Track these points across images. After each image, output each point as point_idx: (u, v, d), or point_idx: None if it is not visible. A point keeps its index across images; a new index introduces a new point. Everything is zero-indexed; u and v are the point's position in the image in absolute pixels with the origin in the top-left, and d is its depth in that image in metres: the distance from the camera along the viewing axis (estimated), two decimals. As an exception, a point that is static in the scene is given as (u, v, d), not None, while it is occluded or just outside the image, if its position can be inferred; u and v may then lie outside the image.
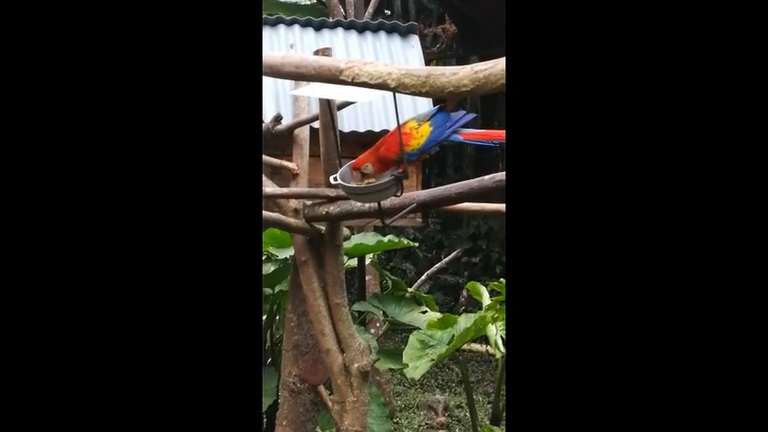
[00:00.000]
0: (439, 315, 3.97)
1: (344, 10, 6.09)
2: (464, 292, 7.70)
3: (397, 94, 1.86)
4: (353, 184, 2.32)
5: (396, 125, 2.22)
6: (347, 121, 3.91)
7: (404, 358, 3.65)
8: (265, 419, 3.92)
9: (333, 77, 1.67)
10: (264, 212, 2.64)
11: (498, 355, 3.85)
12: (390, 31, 4.23)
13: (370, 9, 6.07)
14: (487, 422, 4.35)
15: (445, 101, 2.29)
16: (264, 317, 4.12)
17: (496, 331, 3.82)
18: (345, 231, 3.11)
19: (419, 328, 3.87)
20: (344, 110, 3.18)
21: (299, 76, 1.76)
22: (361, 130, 3.94)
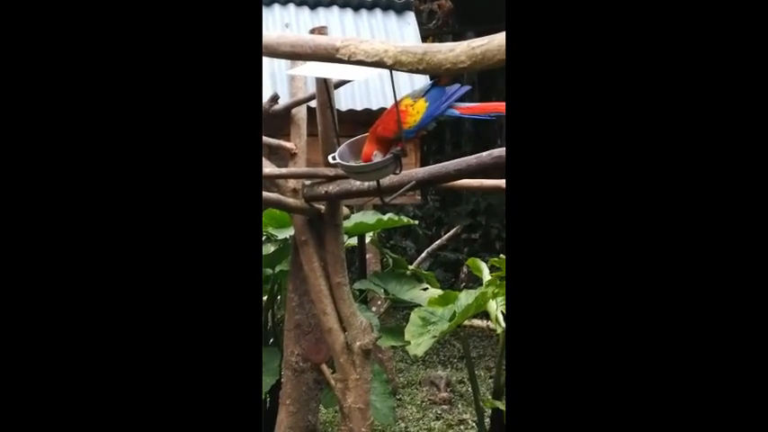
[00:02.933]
0: (440, 292, 3.97)
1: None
2: (464, 269, 7.70)
3: (393, 72, 1.86)
4: (352, 163, 2.32)
5: (393, 103, 2.21)
6: (344, 100, 3.90)
7: (406, 335, 3.67)
8: (269, 399, 3.95)
9: (329, 56, 1.67)
10: (263, 193, 2.65)
11: (499, 331, 3.87)
12: (386, 8, 4.20)
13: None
14: (489, 396, 4.38)
15: (440, 76, 2.28)
16: (265, 297, 4.14)
17: (497, 307, 3.83)
18: (345, 210, 3.12)
19: (420, 306, 3.88)
20: (341, 88, 3.17)
21: (296, 55, 1.76)
22: (359, 108, 3.94)
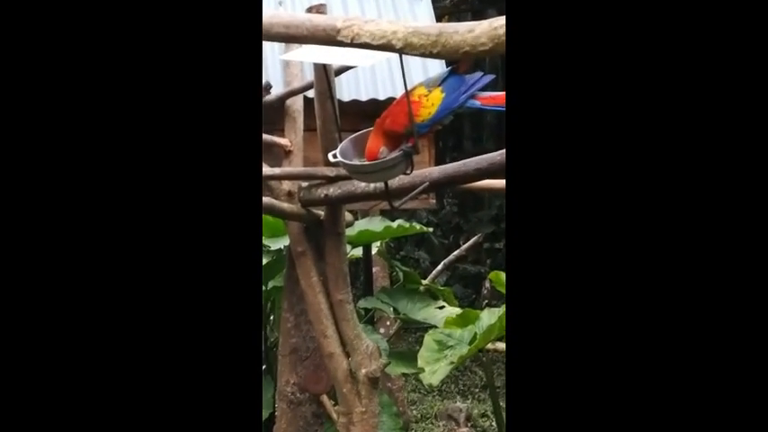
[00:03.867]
0: (458, 310, 3.97)
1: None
2: (487, 284, 7.70)
3: (404, 57, 1.85)
4: (356, 162, 2.32)
5: (403, 92, 2.21)
6: (347, 89, 3.91)
7: (419, 361, 3.66)
8: (261, 435, 3.95)
9: (329, 38, 1.67)
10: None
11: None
12: (395, -18, 4.21)
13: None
14: (517, 432, 4.37)
15: (459, 62, 2.27)
16: (257, 317, 4.14)
17: (525, 328, 3.83)
18: (348, 216, 3.11)
19: (436, 327, 3.88)
20: (343, 76, 3.17)
21: (290, 37, 1.76)
22: (364, 98, 3.94)
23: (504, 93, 2.36)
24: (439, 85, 2.25)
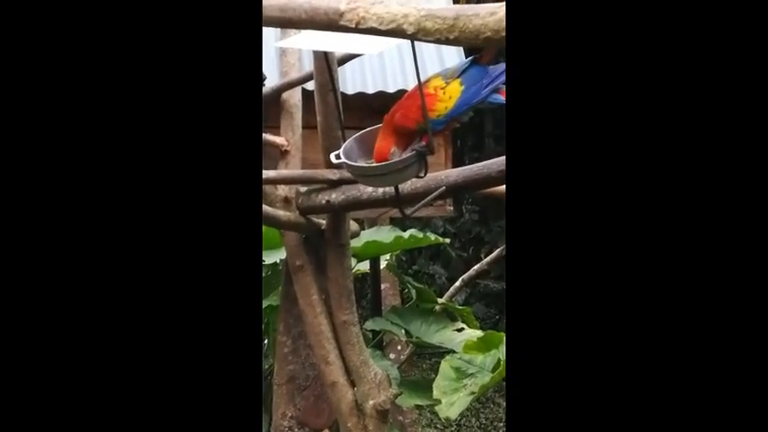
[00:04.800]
0: (480, 333, 3.97)
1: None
2: (512, 303, 7.69)
3: (416, 44, 1.86)
4: (362, 164, 2.32)
5: (415, 83, 2.22)
6: (351, 81, 3.91)
7: (435, 392, 3.66)
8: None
9: (331, 23, 1.68)
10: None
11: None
12: (405, -42, 4.22)
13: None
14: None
15: (480, 51, 2.28)
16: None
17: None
18: (353, 226, 3.12)
19: (454, 352, 3.88)
20: (347, 65, 3.18)
21: (286, 21, 1.77)
22: (370, 91, 3.95)
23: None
24: (458, 77, 2.26)
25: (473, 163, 2.57)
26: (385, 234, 4.25)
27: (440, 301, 4.57)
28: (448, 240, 5.76)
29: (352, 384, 2.84)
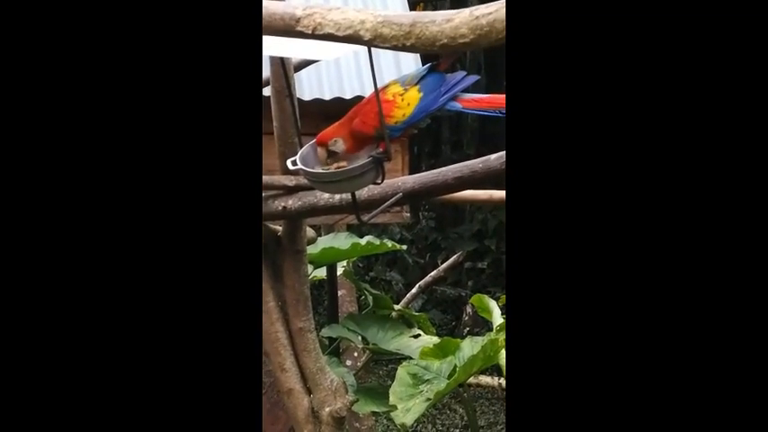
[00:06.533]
0: (436, 339, 3.98)
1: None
2: (468, 309, 7.73)
3: (373, 50, 1.86)
4: (319, 169, 2.31)
5: (373, 90, 2.21)
6: (308, 87, 3.91)
7: (391, 398, 3.66)
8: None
9: (287, 28, 1.67)
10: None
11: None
12: (363, -35, 4.23)
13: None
14: (503, 479, 4.37)
15: (438, 58, 2.29)
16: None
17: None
18: (310, 232, 3.11)
19: (410, 358, 3.88)
20: (304, 71, 3.17)
21: (243, 27, 1.76)
22: (327, 97, 3.95)
23: (489, 96, 2.39)
24: (416, 84, 2.26)
25: (430, 170, 2.57)
26: (342, 241, 4.26)
27: (396, 307, 4.58)
28: (405, 247, 5.78)
29: (309, 391, 2.83)
